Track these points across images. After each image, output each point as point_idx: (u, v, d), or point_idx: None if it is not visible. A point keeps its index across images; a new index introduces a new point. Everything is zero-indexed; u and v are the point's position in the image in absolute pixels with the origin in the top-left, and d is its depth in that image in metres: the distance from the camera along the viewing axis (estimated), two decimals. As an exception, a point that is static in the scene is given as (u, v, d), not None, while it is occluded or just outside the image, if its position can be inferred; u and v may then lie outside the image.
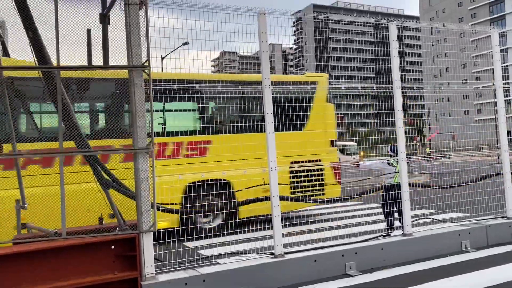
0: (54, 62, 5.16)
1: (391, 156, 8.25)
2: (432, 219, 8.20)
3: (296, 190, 9.42)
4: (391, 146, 8.34)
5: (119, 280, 5.14)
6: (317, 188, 9.23)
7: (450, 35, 10.60)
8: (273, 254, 6.06)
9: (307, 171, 9.59)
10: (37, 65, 5.28)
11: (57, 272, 4.96)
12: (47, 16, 5.18)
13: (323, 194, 9.20)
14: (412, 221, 7.19)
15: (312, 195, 9.02)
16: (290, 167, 9.69)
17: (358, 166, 9.30)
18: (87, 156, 5.63)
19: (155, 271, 5.34)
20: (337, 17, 9.58)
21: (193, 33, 6.42)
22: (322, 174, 9.70)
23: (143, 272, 5.22)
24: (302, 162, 9.90)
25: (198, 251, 7.75)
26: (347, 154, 25.28)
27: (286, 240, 6.46)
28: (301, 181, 9.55)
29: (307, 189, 9.25)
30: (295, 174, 9.70)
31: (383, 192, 8.07)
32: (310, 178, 9.39)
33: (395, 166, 7.96)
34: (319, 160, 10.20)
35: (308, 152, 10.01)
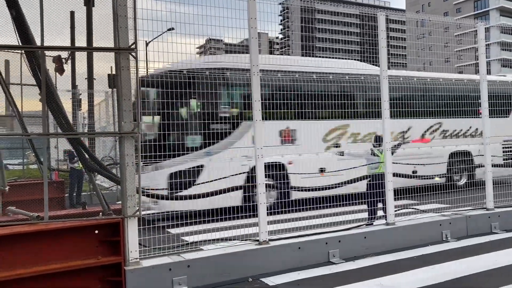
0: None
1: (374, 146, 8.32)
2: (415, 209, 8.33)
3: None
4: (375, 136, 8.41)
5: (102, 265, 5.09)
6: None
7: (435, 28, 10.69)
8: (258, 241, 6.08)
9: None
10: (20, 44, 5.13)
11: (38, 256, 4.88)
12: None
13: None
14: (395, 211, 7.29)
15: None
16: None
17: (342, 154, 9.41)
18: (71, 139, 5.53)
19: (139, 256, 5.31)
20: (324, 7, 9.53)
21: (180, 17, 6.33)
22: None
23: (127, 257, 5.17)
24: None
25: (182, 237, 7.72)
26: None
27: (271, 227, 6.48)
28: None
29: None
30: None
31: (368, 181, 8.15)
32: None
33: (379, 156, 8.03)
34: None
35: None
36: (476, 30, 8.55)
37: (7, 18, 5.23)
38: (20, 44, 5.14)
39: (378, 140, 8.13)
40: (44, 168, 4.96)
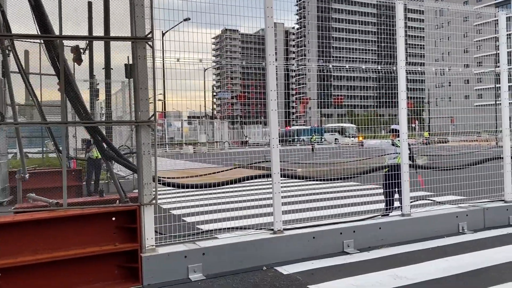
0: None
1: (395, 136, 8.18)
2: (431, 200, 8.26)
3: None
4: (392, 128, 8.31)
5: (119, 251, 5.19)
6: None
7: (454, 17, 10.50)
8: (272, 230, 6.11)
9: None
10: (39, 34, 5.21)
11: (58, 242, 4.99)
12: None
13: None
14: (411, 202, 7.24)
15: None
16: None
17: (362, 145, 9.27)
18: (89, 127, 5.61)
19: (155, 243, 5.39)
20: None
21: (195, 6, 6.33)
22: None
23: (143, 244, 5.26)
24: None
25: (197, 226, 7.81)
26: (346, 136, 25.25)
27: (286, 217, 6.50)
28: None
29: None
30: None
31: (386, 171, 8.08)
32: None
33: (399, 146, 7.95)
34: None
35: None
36: (497, 19, 8.37)
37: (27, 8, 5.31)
38: (39, 33, 5.22)
39: (395, 131, 8.04)
40: (63, 156, 5.05)
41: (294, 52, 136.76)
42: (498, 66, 8.31)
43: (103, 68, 14.53)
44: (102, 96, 15.98)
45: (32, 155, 18.78)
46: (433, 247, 6.55)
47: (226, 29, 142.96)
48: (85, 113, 5.46)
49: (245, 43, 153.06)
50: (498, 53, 8.38)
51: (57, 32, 5.24)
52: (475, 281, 5.10)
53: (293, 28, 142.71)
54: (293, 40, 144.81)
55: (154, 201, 5.27)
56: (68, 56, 8.01)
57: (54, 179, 8.55)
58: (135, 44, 5.17)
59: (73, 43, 6.98)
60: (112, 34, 6.22)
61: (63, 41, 5.38)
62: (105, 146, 5.72)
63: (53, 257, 4.85)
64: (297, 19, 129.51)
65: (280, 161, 6.28)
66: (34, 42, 9.08)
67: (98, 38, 6.02)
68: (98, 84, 15.93)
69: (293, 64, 9.88)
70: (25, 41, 7.65)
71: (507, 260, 5.83)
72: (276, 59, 6.24)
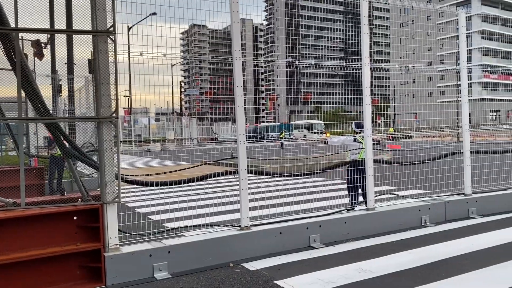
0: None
1: (356, 132, 8.36)
2: (395, 194, 8.44)
3: None
4: (355, 122, 8.46)
5: (81, 251, 5.04)
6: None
7: (418, 15, 10.73)
8: (240, 226, 6.09)
9: None
10: (-7, 26, 4.96)
11: (15, 243, 4.81)
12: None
13: None
14: (375, 197, 7.37)
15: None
16: None
17: (326, 143, 9.36)
18: (48, 124, 5.41)
19: (119, 242, 5.27)
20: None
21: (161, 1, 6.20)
22: None
23: (106, 243, 5.13)
24: None
25: (163, 223, 7.70)
26: (314, 133, 25.53)
27: (253, 213, 6.50)
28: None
29: None
30: None
31: (348, 167, 8.21)
32: None
33: (361, 142, 8.09)
34: None
35: None
36: (457, 18, 8.61)
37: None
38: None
39: (360, 126, 8.17)
40: (20, 153, 4.85)
41: (262, 49, 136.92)
42: (459, 64, 8.57)
43: (65, 63, 14.05)
44: (65, 92, 15.47)
45: (-9, 153, 18.05)
46: (397, 240, 6.70)
47: (194, 25, 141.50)
48: (44, 109, 5.26)
49: (213, 39, 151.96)
50: (459, 51, 8.63)
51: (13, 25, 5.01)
52: (437, 272, 5.24)
53: (262, 24, 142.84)
54: (262, 37, 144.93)
55: (117, 199, 5.15)
56: (30, 50, 7.69)
57: (14, 177, 8.22)
58: (96, 38, 5.02)
59: (33, 37, 6.71)
60: (74, 27, 6.00)
61: (21, 34, 5.16)
62: (66, 143, 5.54)
63: (10, 259, 4.66)
64: (266, 15, 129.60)
65: (249, 158, 6.27)
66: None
67: (57, 31, 5.81)
68: (61, 79, 15.40)
69: (260, 61, 9.86)
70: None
71: (467, 251, 6.03)
72: (244, 55, 6.20)
